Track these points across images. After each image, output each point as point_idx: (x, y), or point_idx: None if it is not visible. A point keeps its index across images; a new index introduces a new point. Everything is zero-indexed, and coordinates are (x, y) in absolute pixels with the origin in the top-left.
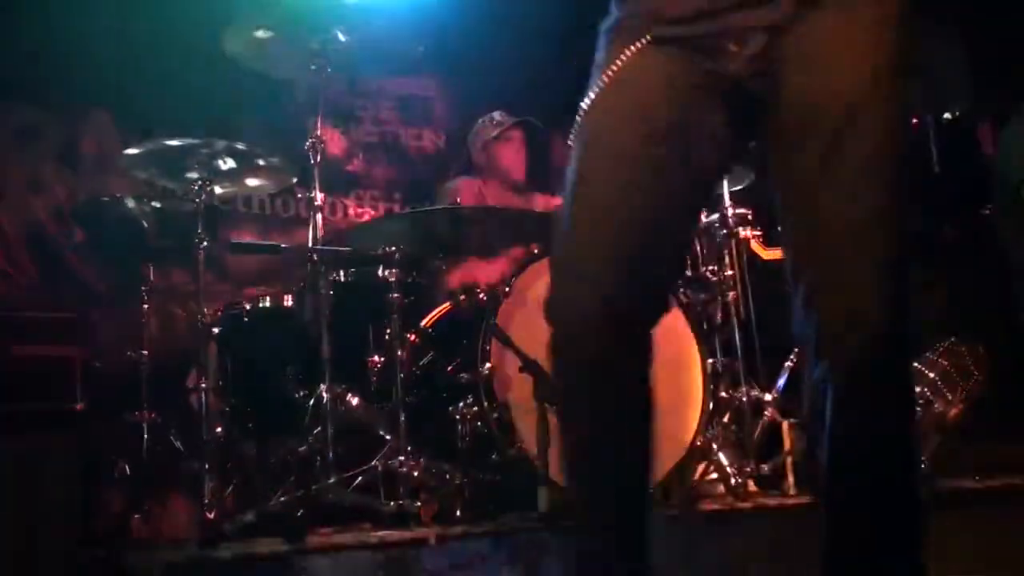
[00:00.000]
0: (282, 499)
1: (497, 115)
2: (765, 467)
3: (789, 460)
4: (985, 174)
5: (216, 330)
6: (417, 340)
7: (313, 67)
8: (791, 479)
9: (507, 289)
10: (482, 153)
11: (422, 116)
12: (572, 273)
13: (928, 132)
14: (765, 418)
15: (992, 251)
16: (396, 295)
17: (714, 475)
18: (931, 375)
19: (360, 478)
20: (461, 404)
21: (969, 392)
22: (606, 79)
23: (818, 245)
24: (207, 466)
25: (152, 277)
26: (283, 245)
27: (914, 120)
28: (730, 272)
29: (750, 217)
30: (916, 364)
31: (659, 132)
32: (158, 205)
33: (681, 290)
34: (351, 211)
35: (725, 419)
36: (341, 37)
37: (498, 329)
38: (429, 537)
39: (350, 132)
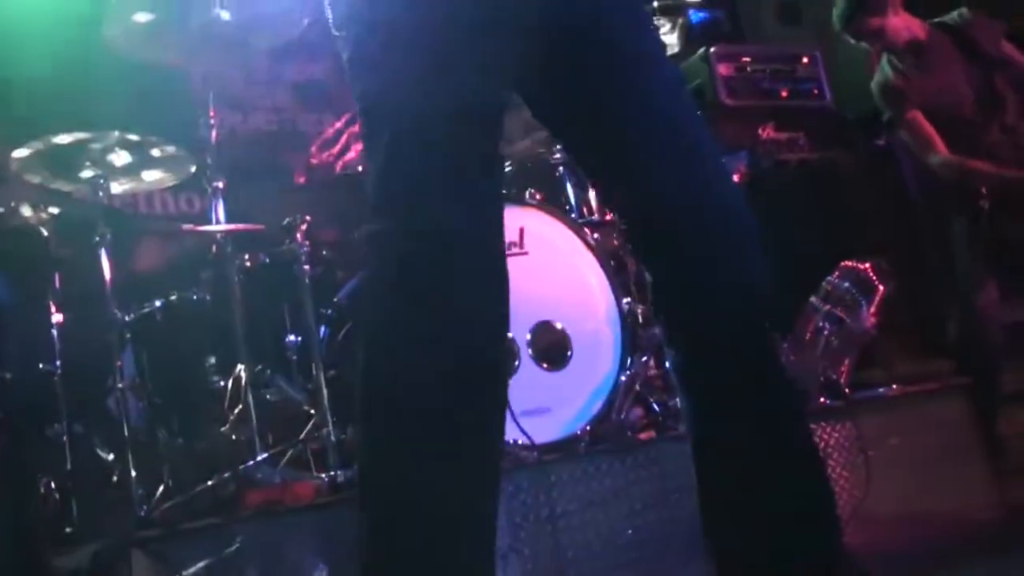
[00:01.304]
0: (210, 483)
1: None
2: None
3: None
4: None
5: (128, 332)
6: (332, 313)
7: (202, 46)
8: None
9: None
10: None
11: (319, 101)
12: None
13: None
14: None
15: (890, 179)
16: (306, 267)
17: (637, 411)
18: (836, 294)
19: (289, 453)
20: None
21: (878, 304)
22: None
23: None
24: (132, 469)
25: (58, 285)
26: (184, 227)
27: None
28: None
29: None
30: (819, 290)
31: None
32: (56, 211)
33: (589, 232)
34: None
35: (644, 359)
36: (224, 16)
37: None
38: None
39: (248, 121)
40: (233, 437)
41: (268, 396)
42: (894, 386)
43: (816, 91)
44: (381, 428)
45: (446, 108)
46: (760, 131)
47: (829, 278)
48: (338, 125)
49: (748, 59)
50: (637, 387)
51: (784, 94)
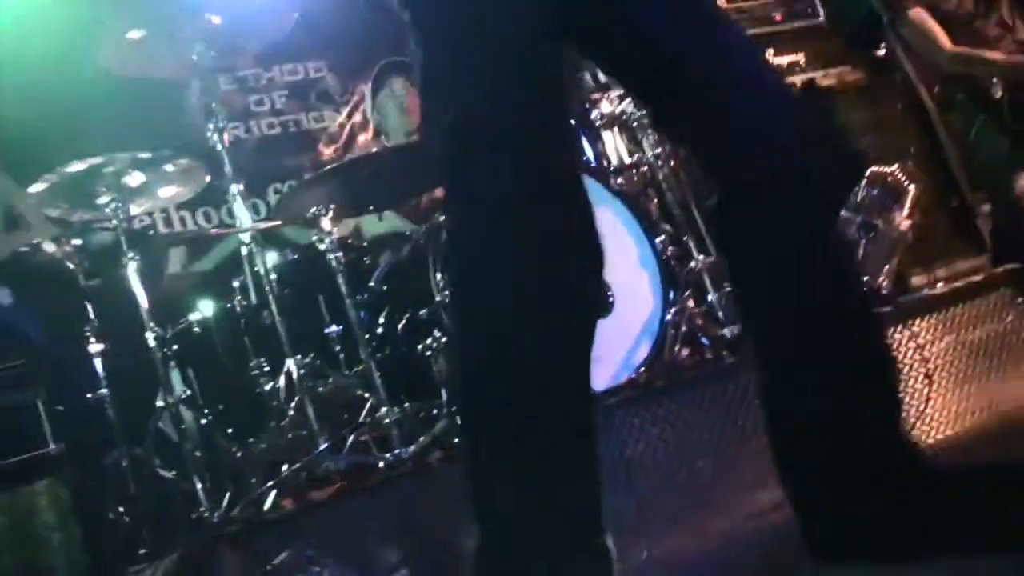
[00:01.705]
0: (277, 479)
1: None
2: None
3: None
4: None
5: (170, 349)
6: (368, 298)
7: (195, 57)
8: None
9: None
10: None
11: (318, 97)
12: None
13: None
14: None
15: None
16: (337, 255)
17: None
18: (867, 202)
19: (351, 439)
20: (429, 340)
21: (911, 206)
22: None
23: None
24: (196, 481)
25: (92, 315)
26: (213, 231)
27: None
28: (655, 153)
29: None
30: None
31: None
32: (79, 242)
33: (612, 179)
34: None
35: (685, 294)
36: (214, 20)
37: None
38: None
39: (251, 130)
40: (291, 435)
41: (320, 388)
42: (939, 286)
43: (809, 10)
44: (483, 340)
45: (522, 33)
46: None
47: (858, 188)
48: (340, 119)
49: None
50: (683, 325)
51: (778, 18)
